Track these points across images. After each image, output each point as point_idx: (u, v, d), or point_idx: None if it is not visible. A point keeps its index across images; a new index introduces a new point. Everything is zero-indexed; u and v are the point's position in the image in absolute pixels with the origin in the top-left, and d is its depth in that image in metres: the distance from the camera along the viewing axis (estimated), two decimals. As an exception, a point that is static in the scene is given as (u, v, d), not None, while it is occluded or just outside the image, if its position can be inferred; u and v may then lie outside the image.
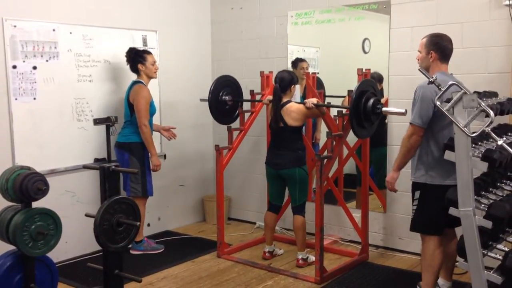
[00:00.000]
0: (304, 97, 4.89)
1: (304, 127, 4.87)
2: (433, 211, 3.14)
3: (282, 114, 4.01)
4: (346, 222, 4.50)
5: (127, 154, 4.30)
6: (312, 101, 3.94)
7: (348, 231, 4.71)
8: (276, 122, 4.04)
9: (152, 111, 4.36)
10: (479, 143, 2.79)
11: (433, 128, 3.08)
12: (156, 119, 4.87)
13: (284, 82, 4.03)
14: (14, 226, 2.93)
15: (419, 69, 2.91)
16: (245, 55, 5.31)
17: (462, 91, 2.55)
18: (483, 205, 2.69)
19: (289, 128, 4.01)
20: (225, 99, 4.50)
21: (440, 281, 3.40)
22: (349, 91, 4.17)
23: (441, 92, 2.67)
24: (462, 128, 2.54)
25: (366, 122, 3.69)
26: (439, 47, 3.15)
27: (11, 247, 3.10)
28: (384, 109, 3.63)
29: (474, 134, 2.55)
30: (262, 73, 4.68)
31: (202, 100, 4.58)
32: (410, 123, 3.10)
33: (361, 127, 3.71)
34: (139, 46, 4.72)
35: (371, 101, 3.59)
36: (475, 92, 2.69)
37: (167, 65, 5.01)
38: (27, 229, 2.95)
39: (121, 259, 2.76)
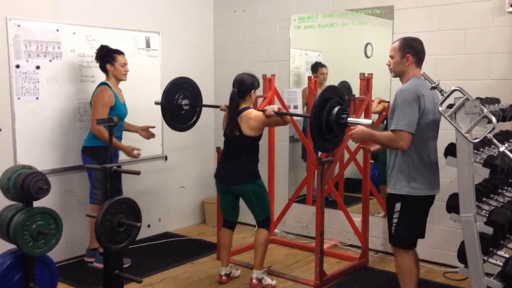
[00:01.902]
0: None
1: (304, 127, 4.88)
2: (419, 224, 3.06)
3: (239, 121, 3.61)
4: (346, 226, 4.50)
5: (89, 159, 4.02)
6: (272, 108, 3.60)
7: (348, 235, 4.71)
8: (231, 131, 3.64)
9: (118, 114, 3.98)
10: (481, 149, 2.80)
11: (415, 136, 2.90)
12: (157, 121, 4.87)
13: (243, 86, 3.64)
14: (15, 225, 2.94)
15: (422, 74, 2.89)
16: (247, 58, 5.32)
17: (464, 97, 2.56)
18: (484, 211, 2.70)
19: (245, 138, 3.62)
20: (180, 103, 4.09)
21: None
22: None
23: (443, 98, 2.68)
24: (464, 134, 2.54)
25: (329, 134, 3.31)
26: (415, 51, 3.00)
27: (11, 246, 3.10)
28: (349, 119, 3.28)
29: (476, 140, 2.55)
30: (264, 76, 4.68)
31: (156, 103, 4.12)
32: (397, 130, 2.87)
33: (323, 139, 3.33)
34: (142, 47, 4.73)
35: (335, 110, 3.25)
36: (477, 98, 2.69)
37: (169, 66, 5.02)
38: (28, 228, 2.95)
39: (122, 259, 2.76)
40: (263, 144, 4.81)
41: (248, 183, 3.66)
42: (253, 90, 3.69)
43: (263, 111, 3.61)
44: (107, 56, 4.08)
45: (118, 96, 4.13)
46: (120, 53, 4.13)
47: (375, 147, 3.39)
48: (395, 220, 3.04)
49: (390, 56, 3.10)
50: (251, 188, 3.67)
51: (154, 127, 4.54)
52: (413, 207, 3.01)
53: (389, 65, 3.12)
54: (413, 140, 2.90)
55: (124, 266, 4.01)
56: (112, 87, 4.08)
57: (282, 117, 3.64)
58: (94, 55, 4.14)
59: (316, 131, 3.25)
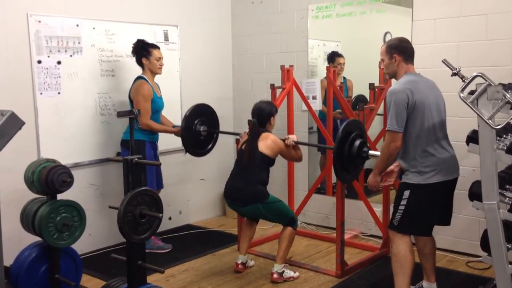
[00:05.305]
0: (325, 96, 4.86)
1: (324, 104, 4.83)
2: (428, 211, 3.05)
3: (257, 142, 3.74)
4: (367, 216, 4.48)
5: (126, 152, 4.06)
6: (293, 138, 3.78)
7: (369, 226, 4.69)
8: (248, 154, 3.70)
9: (156, 107, 4.18)
10: (504, 135, 2.75)
11: (414, 131, 3.00)
12: (177, 113, 4.89)
13: (263, 116, 3.79)
14: (40, 217, 3.00)
15: (442, 61, 2.85)
16: (265, 50, 5.31)
17: (487, 82, 2.52)
18: (507, 199, 2.66)
19: (258, 155, 3.68)
20: (199, 130, 4.21)
21: (425, 284, 3.34)
22: (371, 84, 4.15)
23: (464, 84, 2.64)
24: (487, 121, 2.50)
25: (351, 165, 3.50)
26: (400, 49, 3.11)
27: (37, 239, 3.17)
28: (370, 152, 3.44)
29: (499, 127, 2.51)
30: (282, 67, 4.67)
31: (174, 126, 4.35)
32: (387, 130, 3.02)
33: (345, 170, 3.50)
34: (161, 41, 4.76)
35: (357, 143, 3.42)
36: (500, 84, 2.64)
37: (188, 59, 5.05)
38: (53, 220, 3.02)
39: (144, 250, 2.79)
40: (283, 134, 4.84)
41: (258, 203, 3.67)
42: (272, 117, 3.83)
43: (284, 140, 3.77)
44: (142, 50, 4.15)
45: (155, 89, 4.19)
46: (155, 47, 4.20)
47: (389, 178, 3.26)
48: (401, 207, 3.06)
49: (381, 60, 3.23)
50: (261, 207, 3.69)
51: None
52: (424, 195, 3.02)
53: (382, 68, 3.26)
54: (417, 134, 2.99)
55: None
56: (149, 80, 4.15)
57: (297, 152, 3.84)
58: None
59: (339, 163, 3.41)
